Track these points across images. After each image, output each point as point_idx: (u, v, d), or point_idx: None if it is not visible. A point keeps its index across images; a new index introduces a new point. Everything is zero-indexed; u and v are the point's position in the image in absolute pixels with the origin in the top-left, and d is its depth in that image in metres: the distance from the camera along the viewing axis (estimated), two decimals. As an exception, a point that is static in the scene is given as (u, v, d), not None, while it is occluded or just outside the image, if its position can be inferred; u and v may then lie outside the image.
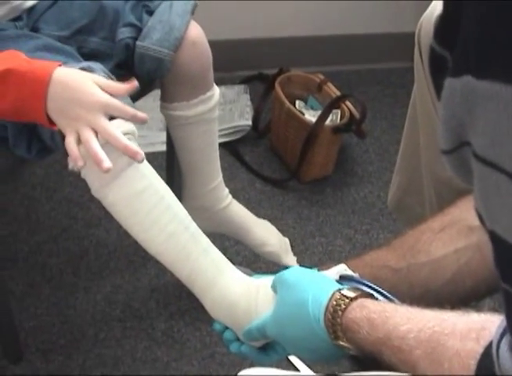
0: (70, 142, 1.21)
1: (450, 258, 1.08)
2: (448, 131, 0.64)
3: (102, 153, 1.18)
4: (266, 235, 1.87)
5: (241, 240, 1.84)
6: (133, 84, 1.26)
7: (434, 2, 1.30)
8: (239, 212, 1.84)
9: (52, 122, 1.24)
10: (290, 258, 1.88)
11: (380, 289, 1.02)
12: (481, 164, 0.60)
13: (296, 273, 1.06)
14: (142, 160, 1.21)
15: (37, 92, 1.22)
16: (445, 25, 0.65)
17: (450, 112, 0.62)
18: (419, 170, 1.49)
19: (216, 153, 1.73)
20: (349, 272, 1.09)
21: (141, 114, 1.24)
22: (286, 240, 1.92)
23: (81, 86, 1.22)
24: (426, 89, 1.34)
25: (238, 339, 1.17)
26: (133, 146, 1.20)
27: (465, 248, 1.08)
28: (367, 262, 1.14)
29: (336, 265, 1.12)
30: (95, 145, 1.19)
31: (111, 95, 1.23)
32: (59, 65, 1.24)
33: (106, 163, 1.17)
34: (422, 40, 1.32)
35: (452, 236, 1.09)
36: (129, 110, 1.24)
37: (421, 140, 1.44)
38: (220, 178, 1.77)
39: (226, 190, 1.80)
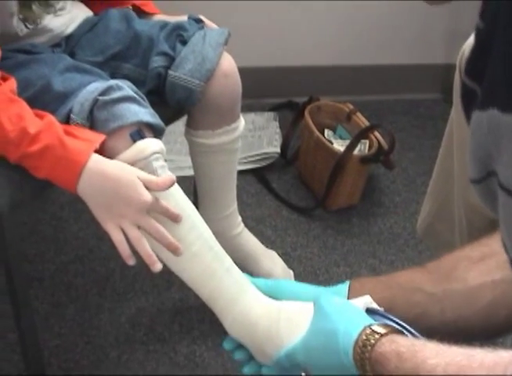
0: (122, 243, 1.27)
1: (486, 287, 1.08)
2: (476, 161, 0.65)
3: (153, 255, 1.26)
4: (272, 266, 1.88)
5: (247, 269, 1.85)
6: (172, 179, 1.30)
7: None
8: (249, 241, 1.86)
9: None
10: None
11: (406, 325, 1.03)
12: (505, 194, 0.60)
13: (331, 303, 1.06)
14: (179, 252, 1.26)
15: (71, 179, 1.27)
16: (475, 59, 0.66)
17: (477, 143, 0.63)
18: (451, 197, 1.49)
19: (234, 182, 1.76)
20: (374, 305, 1.10)
21: (178, 215, 1.28)
22: (291, 272, 1.94)
23: (126, 183, 1.27)
24: (463, 117, 1.35)
25: (250, 359, 1.18)
26: (175, 241, 1.25)
27: (502, 280, 1.08)
28: (399, 283, 1.14)
29: (362, 295, 1.12)
30: (147, 246, 1.26)
31: (151, 190, 1.27)
32: (94, 150, 1.29)
33: (159, 265, 1.26)
34: (463, 68, 1.33)
35: (490, 267, 1.09)
36: (173, 211, 1.27)
37: (455, 167, 1.45)
38: (235, 206, 1.79)
39: (239, 218, 1.82)
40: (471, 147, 0.64)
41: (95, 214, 1.28)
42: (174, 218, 1.27)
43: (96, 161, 1.27)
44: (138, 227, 1.26)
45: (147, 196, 1.26)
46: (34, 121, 1.29)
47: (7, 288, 1.57)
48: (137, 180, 1.26)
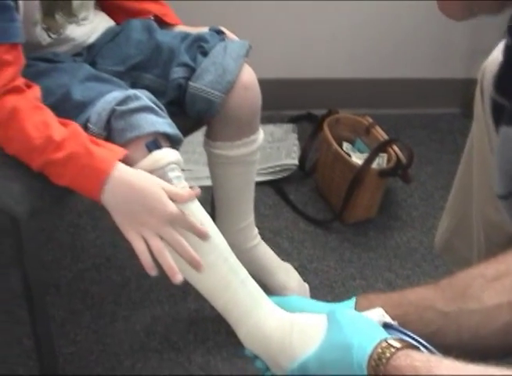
0: (145, 253, 1.26)
1: (503, 308, 1.07)
2: (503, 176, 0.65)
3: (175, 267, 1.25)
4: (287, 279, 1.88)
5: (262, 281, 1.85)
6: (197, 192, 1.31)
7: (497, 48, 1.30)
8: (265, 254, 1.85)
9: None
10: None
11: (422, 341, 1.02)
12: None
13: (345, 315, 1.06)
14: (201, 269, 1.26)
15: (95, 188, 1.28)
16: (503, 75, 0.67)
17: (505, 158, 0.63)
18: (469, 213, 1.49)
19: (251, 194, 1.76)
20: (388, 319, 1.09)
21: (206, 233, 1.28)
22: (306, 286, 1.93)
23: (151, 193, 1.27)
24: (484, 133, 1.35)
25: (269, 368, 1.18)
26: (197, 257, 1.26)
27: None
28: (411, 301, 1.13)
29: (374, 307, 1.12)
30: (169, 258, 1.26)
31: (175, 201, 1.27)
32: (119, 159, 1.29)
33: (180, 277, 1.25)
34: (485, 85, 1.33)
35: (506, 286, 1.08)
36: (197, 226, 1.28)
37: (474, 183, 1.44)
38: (251, 218, 1.79)
39: (256, 230, 1.82)
40: (498, 162, 0.64)
41: (117, 222, 1.29)
42: (201, 235, 1.27)
43: (121, 170, 1.27)
44: (161, 238, 1.27)
45: (172, 207, 1.26)
46: (59, 129, 1.30)
47: (24, 294, 1.58)
48: (162, 191, 1.26)
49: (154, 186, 1.27)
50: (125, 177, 1.27)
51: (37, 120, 1.30)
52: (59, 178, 1.31)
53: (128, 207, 1.27)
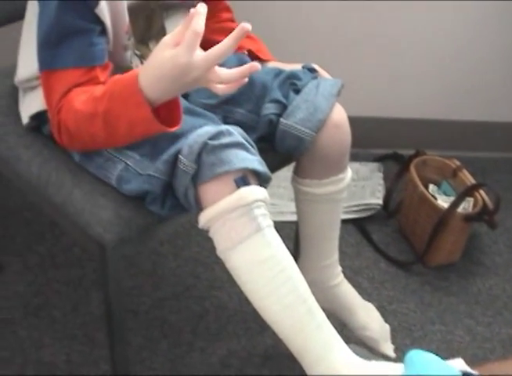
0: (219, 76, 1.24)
1: None
2: None
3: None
4: (368, 320, 1.85)
5: (343, 320, 1.83)
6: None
7: None
8: (348, 293, 1.83)
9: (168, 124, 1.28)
10: (387, 346, 1.85)
11: None
12: None
13: (424, 359, 1.05)
14: (258, 67, 1.23)
15: (138, 98, 1.25)
16: None
17: None
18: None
19: (337, 232, 1.74)
20: (468, 369, 1.08)
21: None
22: (387, 327, 1.89)
23: (175, 70, 1.22)
24: None
25: None
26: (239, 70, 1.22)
27: None
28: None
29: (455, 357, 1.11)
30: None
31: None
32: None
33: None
34: None
35: None
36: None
37: None
38: (336, 256, 1.78)
39: (339, 268, 1.80)
40: None
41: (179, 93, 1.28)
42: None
43: (141, 73, 1.26)
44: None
45: (196, 59, 1.20)
46: (97, 89, 1.32)
47: (104, 318, 1.60)
48: (175, 59, 1.21)
49: (169, 63, 1.22)
50: (151, 73, 1.24)
51: (83, 99, 1.33)
52: (118, 121, 1.29)
53: (171, 84, 1.24)
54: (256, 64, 1.22)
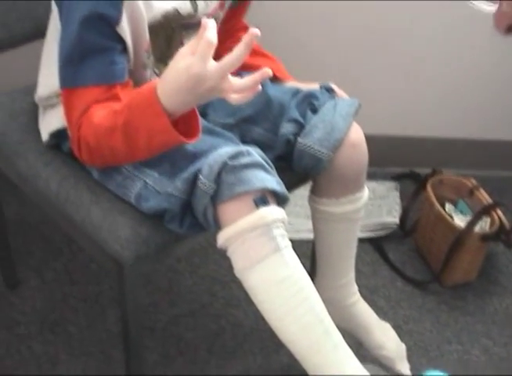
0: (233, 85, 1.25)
1: None
2: None
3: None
4: (384, 339, 1.85)
5: (359, 339, 1.83)
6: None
7: None
8: (364, 312, 1.83)
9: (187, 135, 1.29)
10: (404, 366, 1.85)
11: None
12: None
13: None
14: (269, 74, 1.23)
15: (157, 110, 1.26)
16: None
17: None
18: None
19: (353, 250, 1.75)
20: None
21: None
22: (404, 346, 1.89)
23: (189, 82, 1.23)
24: None
25: None
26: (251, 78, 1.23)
27: None
28: None
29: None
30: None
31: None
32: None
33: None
34: None
35: None
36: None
37: None
38: (352, 275, 1.78)
39: (355, 287, 1.80)
40: None
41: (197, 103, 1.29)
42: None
43: (159, 87, 1.26)
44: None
45: (210, 67, 1.21)
46: (116, 104, 1.33)
47: (121, 335, 1.61)
48: (190, 69, 1.21)
49: (184, 75, 1.23)
50: (168, 86, 1.25)
51: (103, 114, 1.34)
52: (137, 132, 1.30)
53: (188, 96, 1.25)
54: (267, 70, 1.23)
